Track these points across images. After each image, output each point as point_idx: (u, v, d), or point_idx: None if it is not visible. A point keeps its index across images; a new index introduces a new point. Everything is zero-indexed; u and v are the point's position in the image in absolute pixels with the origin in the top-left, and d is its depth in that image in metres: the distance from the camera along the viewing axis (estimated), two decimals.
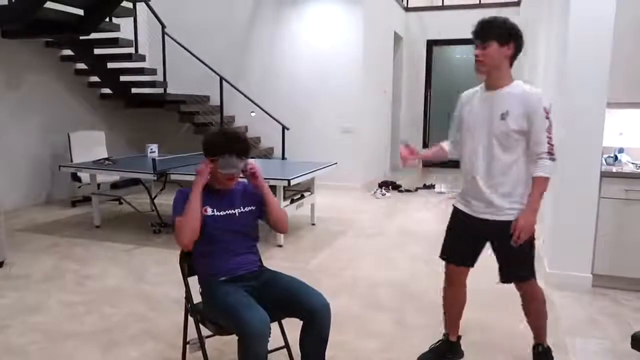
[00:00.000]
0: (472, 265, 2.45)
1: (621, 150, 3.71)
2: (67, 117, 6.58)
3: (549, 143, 2.17)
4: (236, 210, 2.23)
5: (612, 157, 3.63)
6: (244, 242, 2.27)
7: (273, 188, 4.52)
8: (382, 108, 8.47)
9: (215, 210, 2.19)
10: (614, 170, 3.47)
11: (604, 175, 3.39)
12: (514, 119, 2.16)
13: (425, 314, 3.16)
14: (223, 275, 2.18)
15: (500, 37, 2.18)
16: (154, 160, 4.62)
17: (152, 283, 3.69)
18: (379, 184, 7.50)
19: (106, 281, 3.72)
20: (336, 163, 5.42)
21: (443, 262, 2.54)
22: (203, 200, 2.17)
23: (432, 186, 7.56)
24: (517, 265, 2.32)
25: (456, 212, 2.47)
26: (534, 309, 2.40)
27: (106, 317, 3.10)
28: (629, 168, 3.53)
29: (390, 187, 7.39)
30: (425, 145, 9.94)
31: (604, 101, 3.28)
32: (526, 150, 2.22)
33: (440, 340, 2.62)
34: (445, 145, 2.61)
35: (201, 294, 2.24)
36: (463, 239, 2.43)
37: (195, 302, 2.24)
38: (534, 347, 2.45)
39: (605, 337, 2.84)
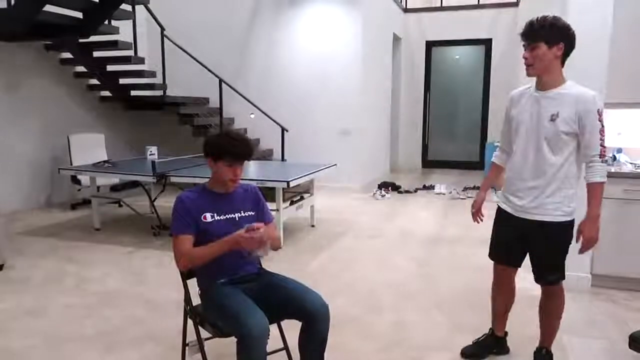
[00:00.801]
0: (520, 265, 2.47)
1: (620, 151, 3.71)
2: (66, 119, 6.59)
3: (601, 145, 2.17)
4: (236, 215, 2.20)
5: (610, 157, 3.63)
6: None
7: (272, 190, 4.53)
8: (381, 109, 8.48)
9: (215, 214, 2.16)
10: (613, 170, 3.47)
11: None
12: (564, 121, 2.16)
13: (424, 315, 3.16)
14: (222, 278, 2.18)
15: (548, 37, 2.14)
16: (153, 162, 4.63)
17: (151, 285, 3.70)
18: (378, 185, 7.51)
19: (106, 284, 3.73)
20: (336, 164, 5.42)
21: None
22: (202, 206, 2.15)
23: (431, 187, 7.56)
24: (549, 268, 2.35)
25: (500, 213, 2.48)
26: (554, 309, 2.42)
27: (106, 320, 3.10)
28: (628, 168, 3.53)
29: (389, 188, 7.40)
30: (424, 142, 9.96)
31: (602, 101, 3.28)
32: (576, 151, 2.23)
33: (485, 334, 2.64)
34: (497, 160, 2.59)
35: (200, 296, 2.24)
36: (509, 240, 2.44)
37: (194, 304, 2.25)
38: (538, 350, 2.46)
39: (603, 337, 2.84)
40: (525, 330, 2.75)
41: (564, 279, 2.37)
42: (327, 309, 2.07)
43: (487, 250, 2.56)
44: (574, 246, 2.39)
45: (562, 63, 2.21)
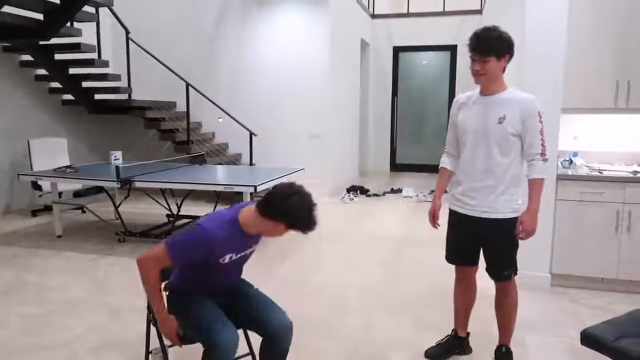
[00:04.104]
0: (477, 263, 2.55)
1: (576, 154, 3.84)
2: (27, 124, 6.40)
3: (542, 145, 2.31)
4: (248, 251, 2.12)
5: (567, 160, 3.76)
6: (239, 269, 2.22)
7: (240, 195, 4.51)
8: (350, 113, 8.54)
9: (234, 254, 2.03)
10: (569, 173, 3.59)
11: (560, 178, 3.51)
12: (511, 123, 2.30)
13: (390, 316, 3.20)
14: (198, 290, 2.12)
15: (498, 52, 2.28)
16: (117, 167, 4.54)
17: (115, 293, 3.62)
18: (347, 188, 7.56)
19: (68, 293, 3.63)
20: (303, 169, 5.43)
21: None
22: (228, 249, 1.98)
23: (399, 190, 7.65)
24: (504, 263, 2.44)
25: (453, 215, 2.55)
26: (508, 306, 2.50)
27: (67, 329, 3.02)
28: (583, 171, 3.66)
29: (358, 191, 7.46)
30: (392, 146, 10.07)
31: (559, 107, 3.40)
32: (521, 151, 2.37)
33: (448, 335, 2.70)
34: (446, 164, 2.65)
35: (167, 298, 2.18)
36: (463, 240, 2.53)
37: None
38: (498, 348, 2.52)
39: (562, 335, 2.93)
40: (487, 329, 2.81)
41: (516, 273, 2.48)
42: (291, 329, 2.08)
43: None
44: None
45: (504, 70, 2.36)
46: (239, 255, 2.06)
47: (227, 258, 1.99)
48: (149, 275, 1.96)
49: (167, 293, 2.18)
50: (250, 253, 2.15)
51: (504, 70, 2.35)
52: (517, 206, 2.40)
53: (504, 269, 2.44)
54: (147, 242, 4.75)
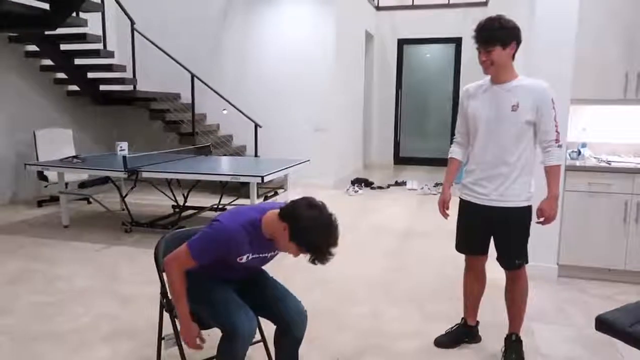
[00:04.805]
0: (487, 252, 2.56)
1: (584, 145, 3.84)
2: (32, 114, 6.41)
3: (556, 131, 2.31)
4: (269, 254, 2.07)
5: (575, 152, 3.75)
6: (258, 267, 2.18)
7: (246, 186, 4.52)
8: (354, 105, 8.53)
9: (250, 254, 1.98)
10: (578, 164, 3.59)
11: (568, 169, 3.51)
12: (525, 110, 2.30)
13: (397, 306, 3.21)
14: (218, 279, 2.10)
15: (503, 40, 2.27)
16: (124, 157, 4.54)
17: (124, 282, 3.64)
18: (351, 181, 7.56)
19: (76, 281, 3.65)
20: (309, 160, 5.43)
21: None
22: (246, 250, 1.95)
23: (403, 183, 7.65)
24: (516, 252, 2.45)
25: (464, 204, 2.55)
26: (519, 295, 2.51)
27: (77, 317, 3.04)
28: (592, 162, 3.66)
29: (362, 184, 7.46)
30: (396, 139, 10.06)
31: (568, 97, 3.40)
32: (533, 139, 2.37)
33: (457, 324, 2.71)
34: (455, 154, 2.64)
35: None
36: (474, 229, 2.53)
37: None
38: (508, 336, 2.53)
39: (570, 324, 2.95)
40: (496, 319, 2.83)
41: (527, 262, 2.48)
42: (305, 316, 2.08)
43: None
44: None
45: (513, 58, 2.35)
46: (258, 256, 2.01)
47: (244, 258, 1.96)
48: (173, 277, 1.95)
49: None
50: (272, 257, 2.10)
51: (513, 57, 2.34)
52: (529, 194, 2.40)
53: (515, 258, 2.45)
54: (154, 233, 4.76)
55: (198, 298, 2.04)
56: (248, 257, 1.97)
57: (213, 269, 2.02)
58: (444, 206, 2.63)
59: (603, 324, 1.68)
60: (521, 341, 2.51)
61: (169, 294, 2.07)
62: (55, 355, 2.59)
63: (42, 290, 3.47)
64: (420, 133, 10.14)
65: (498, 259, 2.49)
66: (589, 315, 3.06)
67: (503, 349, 2.52)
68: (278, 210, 1.89)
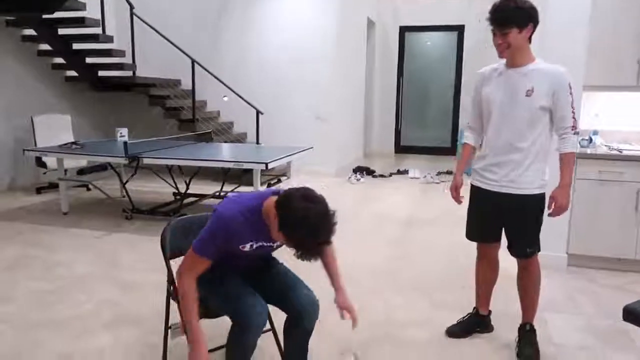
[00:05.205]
0: (499, 239, 2.49)
1: (595, 133, 3.77)
2: (30, 100, 6.29)
3: (573, 118, 2.23)
4: (274, 243, 1.96)
5: (586, 139, 3.69)
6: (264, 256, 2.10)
7: (249, 173, 4.44)
8: (355, 93, 8.43)
9: (254, 243, 1.89)
10: (589, 152, 3.53)
11: (579, 157, 3.43)
12: (540, 96, 2.21)
13: (404, 295, 3.15)
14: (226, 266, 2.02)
15: (519, 22, 2.18)
16: (125, 143, 4.46)
17: (126, 269, 3.57)
18: (353, 169, 7.49)
19: (77, 268, 3.58)
20: (312, 147, 5.36)
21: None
22: (248, 236, 1.85)
23: (405, 171, 7.59)
24: (528, 240, 2.38)
25: (475, 191, 2.48)
26: (531, 284, 2.44)
27: (78, 305, 2.97)
28: (603, 150, 3.60)
29: (364, 172, 7.39)
30: (397, 127, 9.98)
31: (581, 82, 3.32)
32: (548, 125, 2.28)
33: (469, 313, 2.66)
34: (469, 140, 2.57)
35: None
36: (485, 216, 2.46)
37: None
38: (522, 326, 2.48)
39: (581, 312, 2.91)
40: (508, 308, 2.77)
41: (539, 250, 2.41)
42: (317, 306, 2.02)
43: (462, 231, 2.57)
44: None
45: (530, 40, 2.26)
46: (262, 244, 1.91)
47: (247, 246, 1.87)
48: (184, 289, 1.84)
49: None
50: (278, 246, 2.00)
51: (530, 40, 2.26)
52: (543, 182, 2.33)
53: (527, 246, 2.38)
54: (155, 220, 4.69)
55: (208, 286, 1.97)
56: (252, 245, 1.89)
57: (221, 258, 1.93)
58: (456, 192, 2.57)
59: (631, 314, 1.63)
60: (535, 331, 2.46)
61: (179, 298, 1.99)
62: (57, 343, 2.53)
63: (42, 277, 3.40)
64: (421, 122, 10.06)
65: (509, 247, 2.43)
66: (599, 304, 3.02)
67: (517, 339, 2.47)
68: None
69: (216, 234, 1.82)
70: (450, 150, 9.55)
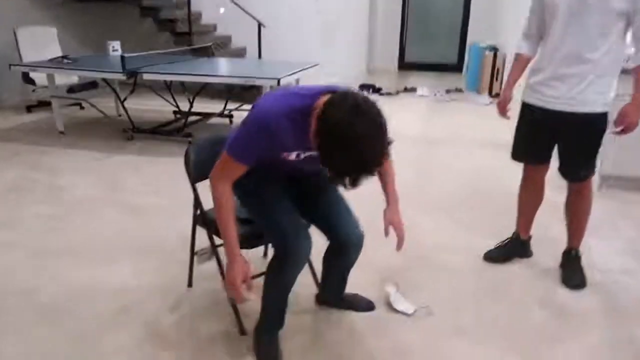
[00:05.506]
0: (549, 161, 2.31)
1: None
2: (10, 11, 5.74)
3: None
4: None
5: None
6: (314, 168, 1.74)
7: (251, 90, 4.12)
8: (359, 5, 7.88)
9: (301, 153, 1.59)
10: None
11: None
12: None
13: (430, 217, 3.01)
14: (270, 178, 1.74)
15: None
16: (122, 57, 4.09)
17: (133, 193, 3.37)
18: (359, 86, 7.16)
19: (81, 192, 3.37)
20: (318, 64, 5.00)
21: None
22: (296, 144, 1.54)
23: (413, 89, 7.27)
24: (584, 163, 2.20)
25: (527, 108, 2.25)
26: (582, 209, 2.30)
27: (90, 231, 2.79)
28: None
29: (370, 90, 7.07)
30: (401, 43, 9.52)
31: None
32: (623, 33, 2.00)
33: (508, 238, 2.53)
34: (523, 49, 2.28)
35: (237, 199, 1.73)
36: (539, 136, 2.25)
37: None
38: (567, 252, 2.37)
39: (621, 237, 2.80)
40: (547, 233, 2.65)
41: (594, 173, 2.24)
42: (362, 240, 1.83)
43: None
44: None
45: None
46: (311, 155, 1.57)
47: (293, 155, 1.58)
48: (217, 193, 1.56)
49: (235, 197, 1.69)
50: None
51: None
52: (609, 99, 2.09)
53: (582, 169, 2.20)
54: (157, 140, 4.43)
55: (244, 199, 1.76)
56: (299, 155, 1.59)
57: (261, 164, 1.59)
58: (504, 108, 2.34)
59: None
60: (580, 257, 2.35)
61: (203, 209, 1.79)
62: (74, 273, 2.36)
63: (47, 202, 3.20)
64: (427, 37, 9.56)
65: (561, 169, 2.25)
66: (638, 226, 2.91)
67: (561, 265, 2.37)
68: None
69: (254, 137, 1.49)
70: (456, 67, 9.19)
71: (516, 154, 2.36)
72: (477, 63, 7.34)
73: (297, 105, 1.47)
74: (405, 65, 9.62)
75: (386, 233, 1.76)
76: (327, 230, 1.83)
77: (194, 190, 1.95)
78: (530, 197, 2.42)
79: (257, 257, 2.40)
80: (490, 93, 6.94)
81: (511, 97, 2.34)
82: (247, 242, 1.79)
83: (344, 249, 1.84)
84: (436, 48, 9.50)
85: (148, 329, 1.97)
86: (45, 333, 1.94)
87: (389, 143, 1.46)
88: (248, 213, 1.80)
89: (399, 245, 1.76)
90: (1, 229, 2.81)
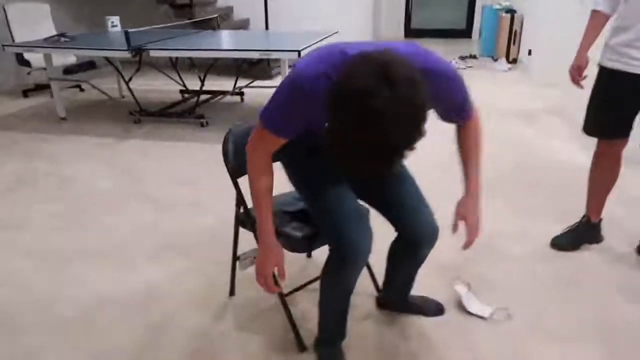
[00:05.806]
0: (628, 135, 2.03)
1: None
2: None
3: None
4: None
5: None
6: None
7: (257, 65, 3.80)
8: None
9: None
10: None
11: None
12: None
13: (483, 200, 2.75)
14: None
15: None
16: (126, 33, 3.75)
17: (150, 184, 3.10)
18: None
19: (93, 184, 3.10)
20: (337, 32, 4.66)
21: None
22: None
23: None
24: None
25: (607, 73, 1.97)
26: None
27: (111, 230, 2.53)
28: None
29: None
30: (407, 9, 9.11)
31: None
32: None
33: (577, 222, 2.27)
34: (601, 6, 1.98)
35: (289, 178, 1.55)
36: (621, 106, 1.98)
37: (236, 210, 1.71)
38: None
39: None
40: (615, 213, 2.40)
41: None
42: (437, 233, 1.56)
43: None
44: None
45: None
46: None
47: None
48: (252, 164, 1.35)
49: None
50: None
51: None
52: None
53: None
54: (167, 123, 4.13)
55: (294, 184, 1.52)
56: None
57: (312, 140, 1.35)
58: (580, 74, 2.05)
59: None
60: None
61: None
62: (98, 280, 2.11)
63: (56, 197, 2.93)
64: (433, 1, 9.14)
65: None
66: None
67: (638, 249, 2.13)
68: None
69: (288, 102, 1.24)
70: (465, 32, 8.81)
71: (590, 127, 2.09)
72: (492, 27, 6.98)
73: (341, 65, 1.08)
74: (412, 31, 9.23)
75: (454, 229, 1.49)
76: (397, 220, 1.56)
77: (236, 185, 1.68)
78: (604, 175, 2.16)
79: (301, 257, 2.15)
80: (507, 59, 6.61)
81: (587, 60, 2.05)
82: (307, 244, 1.54)
83: (416, 243, 1.57)
84: (445, 13, 9.09)
85: (191, 346, 1.72)
86: (70, 356, 1.69)
87: (420, 136, 1.07)
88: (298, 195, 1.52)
89: (466, 246, 1.49)
90: (7, 230, 2.54)
